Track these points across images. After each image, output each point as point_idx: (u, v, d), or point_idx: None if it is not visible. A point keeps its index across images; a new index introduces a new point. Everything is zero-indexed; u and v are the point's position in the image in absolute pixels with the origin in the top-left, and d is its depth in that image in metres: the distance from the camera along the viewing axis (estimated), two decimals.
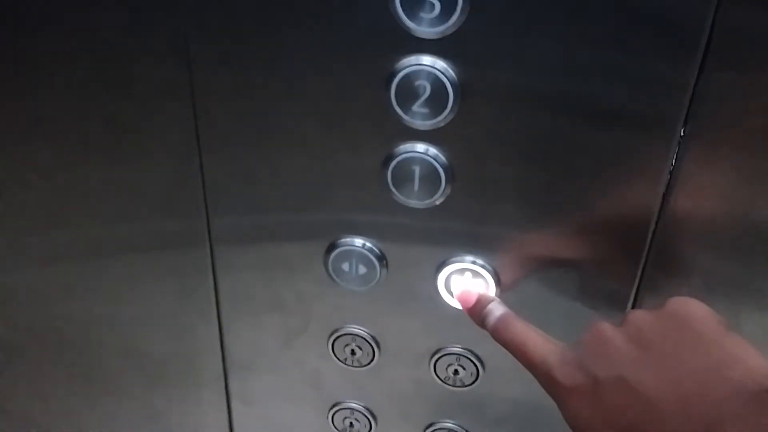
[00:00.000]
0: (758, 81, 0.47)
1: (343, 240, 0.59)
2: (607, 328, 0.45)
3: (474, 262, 0.58)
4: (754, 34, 0.45)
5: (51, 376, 0.76)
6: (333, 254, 0.60)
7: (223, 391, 0.72)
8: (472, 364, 0.63)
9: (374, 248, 0.59)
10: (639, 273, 0.56)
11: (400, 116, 0.51)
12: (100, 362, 0.74)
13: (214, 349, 0.69)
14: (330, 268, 0.60)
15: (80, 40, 0.55)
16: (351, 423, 0.70)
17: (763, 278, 0.56)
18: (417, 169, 0.54)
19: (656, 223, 0.54)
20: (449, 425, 0.68)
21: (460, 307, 0.57)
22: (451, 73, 0.49)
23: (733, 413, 0.38)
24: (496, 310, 0.53)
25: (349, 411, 0.69)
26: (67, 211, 0.63)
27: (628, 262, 0.56)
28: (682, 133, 0.49)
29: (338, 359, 0.66)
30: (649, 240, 0.54)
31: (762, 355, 0.42)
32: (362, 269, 0.60)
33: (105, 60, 0.55)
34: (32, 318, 0.71)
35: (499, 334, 0.52)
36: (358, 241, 0.59)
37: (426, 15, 0.47)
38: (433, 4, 0.47)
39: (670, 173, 0.51)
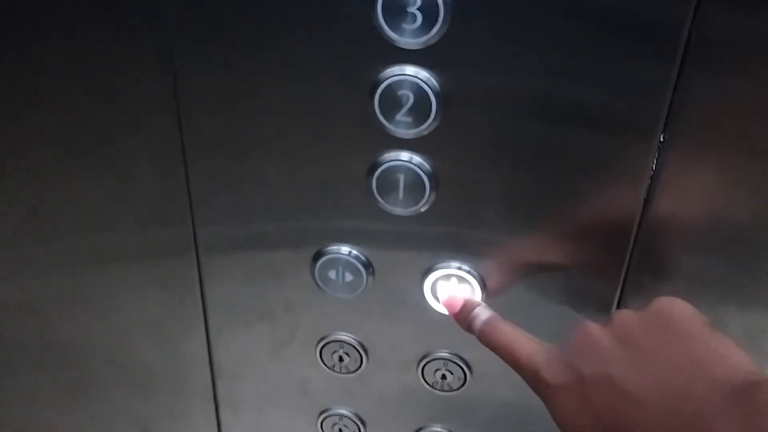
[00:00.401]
0: (736, 85, 0.48)
1: (329, 248, 0.60)
2: (593, 327, 0.46)
3: (460, 268, 0.58)
4: (732, 38, 0.46)
5: (40, 387, 0.76)
6: (319, 262, 0.60)
7: (212, 400, 0.72)
8: (459, 368, 0.63)
9: (360, 256, 0.59)
10: (623, 275, 0.57)
11: (384, 125, 0.52)
12: (89, 372, 0.73)
13: (202, 358, 0.69)
14: (317, 276, 0.61)
15: (66, 51, 0.55)
16: (340, 429, 0.70)
17: (743, 277, 0.57)
18: (402, 177, 0.55)
19: (639, 225, 0.54)
20: (438, 429, 0.68)
21: (447, 313, 0.58)
22: (434, 82, 0.50)
23: (716, 409, 0.39)
24: (482, 314, 0.54)
25: (338, 417, 0.70)
26: (54, 222, 0.63)
27: (612, 264, 0.56)
28: (662, 138, 0.50)
29: (326, 366, 0.66)
30: (632, 242, 0.55)
31: (744, 352, 0.42)
32: (349, 277, 0.60)
33: (91, 71, 0.55)
34: (20, 329, 0.71)
35: (485, 337, 0.52)
36: (345, 249, 0.60)
37: (408, 26, 0.48)
38: (415, 16, 0.47)
39: (651, 177, 0.52)
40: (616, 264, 0.56)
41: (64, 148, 0.60)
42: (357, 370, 0.66)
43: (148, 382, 0.73)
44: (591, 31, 0.47)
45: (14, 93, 0.57)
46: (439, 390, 0.65)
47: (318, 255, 0.60)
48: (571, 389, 0.45)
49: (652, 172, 0.52)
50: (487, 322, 0.53)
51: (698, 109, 0.49)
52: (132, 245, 0.64)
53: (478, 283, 0.58)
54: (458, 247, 0.58)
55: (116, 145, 0.59)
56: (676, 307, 0.45)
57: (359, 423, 0.70)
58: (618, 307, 0.58)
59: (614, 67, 0.48)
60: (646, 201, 0.53)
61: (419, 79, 0.50)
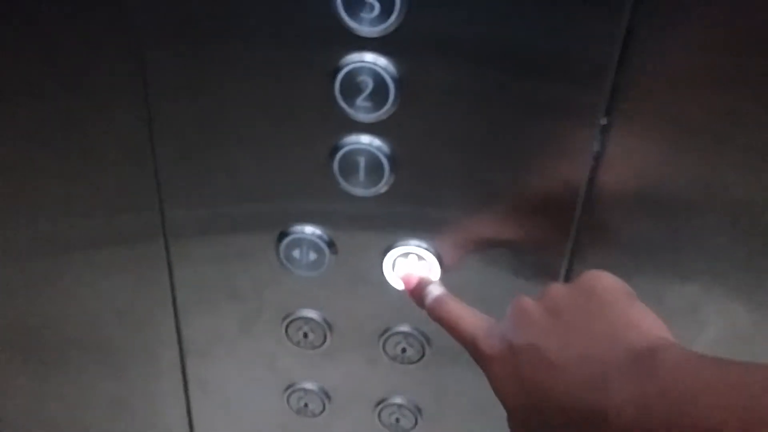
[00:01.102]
0: (677, 63, 0.51)
1: (293, 228, 0.62)
2: (526, 301, 0.49)
3: (418, 246, 0.62)
4: (674, 19, 0.50)
5: (11, 369, 0.77)
6: (284, 242, 0.63)
7: (181, 378, 0.75)
8: (418, 342, 0.67)
9: (323, 235, 0.62)
10: (569, 249, 0.60)
11: (344, 110, 0.55)
12: (61, 354, 0.75)
13: (170, 337, 0.71)
14: (282, 256, 0.63)
15: (34, 39, 0.56)
16: (305, 403, 0.73)
17: (682, 250, 0.61)
18: (362, 160, 0.57)
19: (583, 202, 0.58)
20: (398, 401, 0.71)
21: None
22: (392, 69, 0.53)
23: (617, 371, 0.41)
24: (434, 291, 0.57)
25: (303, 392, 0.73)
26: (23, 208, 0.65)
27: (559, 239, 0.60)
28: (604, 122, 0.54)
29: (292, 342, 0.69)
30: (577, 218, 0.59)
31: (661, 321, 0.45)
32: (312, 255, 0.63)
33: (59, 59, 0.57)
34: None
35: (434, 313, 0.56)
36: (308, 229, 0.62)
37: (366, 15, 0.50)
38: (373, 5, 0.50)
39: (594, 155, 0.56)
40: (563, 239, 0.60)
41: (34, 137, 0.61)
42: (321, 345, 0.69)
43: (119, 362, 0.75)
44: (535, 15, 0.50)
45: None
46: (400, 363, 0.68)
47: (282, 235, 0.63)
48: (504, 359, 0.48)
49: (595, 151, 0.56)
50: (437, 299, 0.56)
51: (640, 89, 0.53)
52: (101, 230, 0.66)
53: (436, 259, 0.62)
54: (416, 226, 0.61)
55: (85, 131, 0.61)
56: (601, 280, 0.48)
57: (324, 396, 0.73)
58: (566, 280, 0.62)
59: (559, 50, 0.51)
60: (590, 178, 0.57)
61: (378, 66, 0.53)
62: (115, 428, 0.81)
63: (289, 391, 0.73)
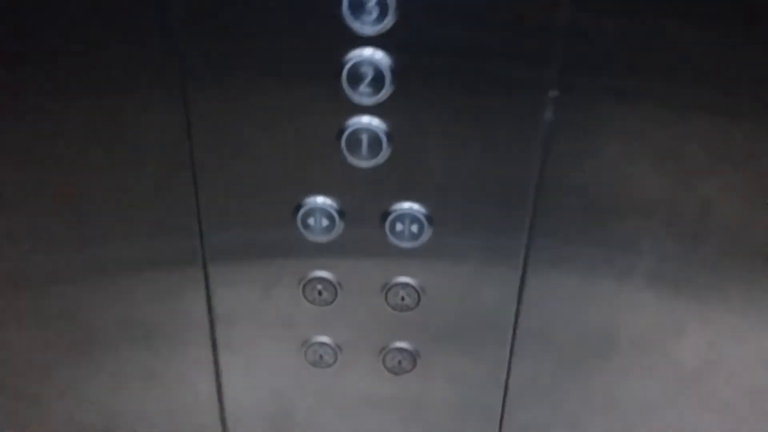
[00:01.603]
0: (619, 49, 0.66)
1: (308, 200, 0.76)
2: None
3: (410, 209, 0.75)
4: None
5: (49, 346, 0.88)
6: (301, 212, 0.76)
7: (210, 344, 0.86)
8: (414, 291, 0.80)
9: (334, 204, 0.76)
10: (527, 233, 0.75)
11: (349, 96, 0.68)
12: (93, 330, 0.86)
13: (201, 305, 0.83)
14: (299, 224, 0.76)
15: (75, 74, 0.69)
16: (321, 355, 0.86)
17: (633, 233, 0.75)
18: (365, 137, 0.71)
19: (537, 184, 0.73)
20: (400, 344, 0.84)
21: (403, 246, 0.75)
22: (388, 60, 0.66)
23: None
24: None
25: (318, 345, 0.85)
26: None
27: (516, 219, 0.75)
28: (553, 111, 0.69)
29: (308, 301, 0.81)
30: (532, 200, 0.73)
31: None
32: (325, 222, 0.76)
33: (100, 89, 0.70)
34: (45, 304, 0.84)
35: None
36: (320, 200, 0.75)
37: (367, 18, 0.64)
38: (372, 11, 0.64)
39: (545, 141, 0.70)
40: (521, 223, 0.75)
41: (73, 157, 0.73)
42: (333, 301, 0.81)
43: (150, 332, 0.86)
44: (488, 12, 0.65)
45: (24, 109, 0.71)
46: (400, 311, 0.81)
47: (299, 206, 0.76)
48: None
49: (546, 136, 0.70)
50: None
51: (588, 72, 0.67)
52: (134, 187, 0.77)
53: (426, 221, 0.75)
54: (410, 191, 0.75)
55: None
56: None
57: (336, 348, 0.85)
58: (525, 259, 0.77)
59: (508, 42, 0.65)
60: (543, 163, 0.71)
61: (376, 58, 0.66)
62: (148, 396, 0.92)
63: (305, 346, 0.85)
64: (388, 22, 0.64)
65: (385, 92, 0.68)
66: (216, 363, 0.88)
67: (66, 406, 0.92)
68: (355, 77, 0.67)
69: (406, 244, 0.77)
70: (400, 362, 0.85)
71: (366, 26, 0.65)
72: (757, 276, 0.77)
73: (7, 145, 0.73)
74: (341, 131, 0.71)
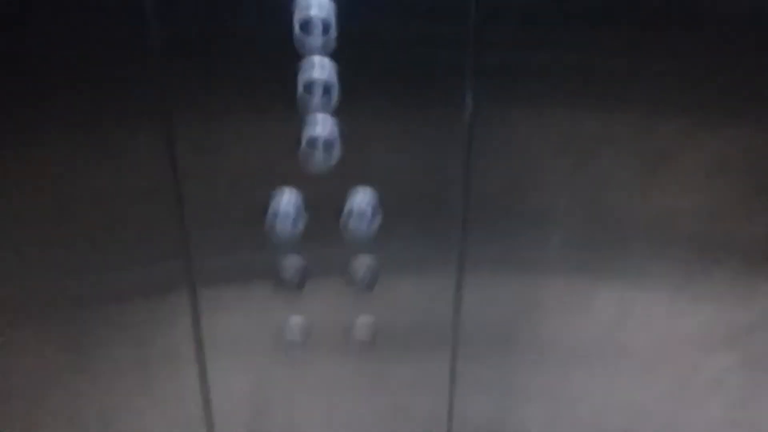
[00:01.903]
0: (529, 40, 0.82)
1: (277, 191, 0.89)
2: None
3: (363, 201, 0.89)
4: None
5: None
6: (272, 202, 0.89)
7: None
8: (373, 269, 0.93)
9: (299, 201, 0.89)
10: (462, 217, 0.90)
11: (305, 97, 0.83)
12: (88, 329, 0.95)
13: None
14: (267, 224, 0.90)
15: (70, 107, 0.80)
16: (295, 336, 0.98)
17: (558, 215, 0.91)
18: (320, 139, 0.86)
19: (465, 177, 0.88)
20: (363, 321, 0.97)
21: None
22: (334, 64, 0.82)
23: None
24: None
25: (293, 326, 0.97)
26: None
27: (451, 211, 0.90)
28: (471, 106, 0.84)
29: (284, 287, 0.94)
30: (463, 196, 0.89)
31: None
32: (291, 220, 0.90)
33: (79, 115, 0.81)
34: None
35: None
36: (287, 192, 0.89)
37: (315, 32, 0.80)
38: (318, 28, 0.80)
39: (468, 138, 0.86)
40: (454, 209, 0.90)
41: (61, 189, 0.83)
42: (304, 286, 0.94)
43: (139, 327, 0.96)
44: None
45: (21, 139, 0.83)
46: (362, 288, 0.94)
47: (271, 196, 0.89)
48: None
49: (469, 131, 0.86)
50: None
51: (500, 73, 0.84)
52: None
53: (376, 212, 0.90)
54: (365, 178, 0.89)
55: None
56: None
57: (309, 328, 0.97)
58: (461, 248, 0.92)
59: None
60: (468, 157, 0.87)
61: (324, 65, 0.82)
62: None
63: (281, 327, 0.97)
64: (330, 35, 0.80)
65: (336, 92, 0.83)
66: (201, 354, 0.98)
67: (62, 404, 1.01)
68: (309, 77, 0.82)
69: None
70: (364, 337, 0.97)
71: (314, 38, 0.80)
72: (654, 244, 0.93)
73: None
74: (299, 133, 0.85)
